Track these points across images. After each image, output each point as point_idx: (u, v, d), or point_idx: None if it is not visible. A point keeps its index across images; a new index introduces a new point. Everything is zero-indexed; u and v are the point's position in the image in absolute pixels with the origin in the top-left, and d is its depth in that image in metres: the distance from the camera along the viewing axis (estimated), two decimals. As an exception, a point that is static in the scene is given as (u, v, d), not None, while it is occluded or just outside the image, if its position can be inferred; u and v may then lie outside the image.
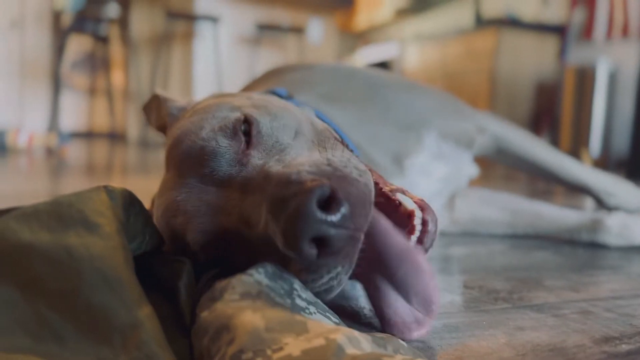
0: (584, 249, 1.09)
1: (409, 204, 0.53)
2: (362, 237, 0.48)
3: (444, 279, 0.85)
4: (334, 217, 0.45)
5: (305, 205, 0.44)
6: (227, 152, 0.57)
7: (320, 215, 0.44)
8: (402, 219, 0.53)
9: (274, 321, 0.41)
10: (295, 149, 0.57)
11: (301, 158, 0.53)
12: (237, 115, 0.60)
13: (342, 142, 0.65)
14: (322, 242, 0.46)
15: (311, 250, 0.46)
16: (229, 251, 0.57)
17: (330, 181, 0.47)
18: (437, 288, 0.51)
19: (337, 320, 0.48)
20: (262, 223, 0.50)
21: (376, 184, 0.56)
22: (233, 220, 0.55)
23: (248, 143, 0.58)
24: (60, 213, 0.47)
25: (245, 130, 0.59)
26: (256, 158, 0.56)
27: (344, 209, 0.45)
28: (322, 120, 0.77)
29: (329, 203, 0.46)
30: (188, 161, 0.59)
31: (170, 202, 0.59)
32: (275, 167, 0.52)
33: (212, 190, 0.57)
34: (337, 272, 0.49)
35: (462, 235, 1.19)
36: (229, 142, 0.58)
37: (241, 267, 0.52)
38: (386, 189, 0.56)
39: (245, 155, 0.57)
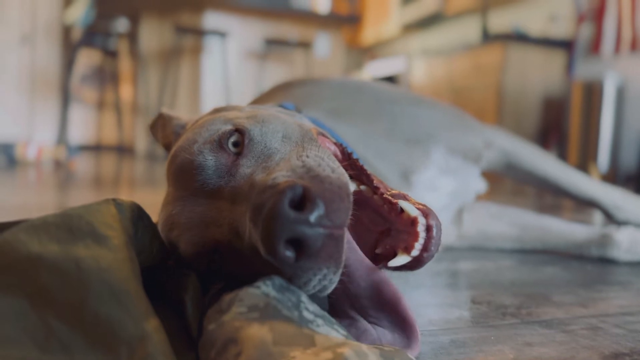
0: (592, 264, 1.08)
1: (411, 211, 0.53)
2: (345, 234, 0.47)
3: (452, 294, 0.85)
4: (309, 216, 0.45)
5: (277, 206, 0.44)
6: (215, 164, 0.58)
7: (293, 215, 0.44)
8: (406, 226, 0.53)
9: (282, 334, 0.41)
10: (281, 153, 0.57)
11: (282, 163, 0.53)
12: (228, 127, 0.61)
13: (332, 141, 0.65)
14: (301, 245, 0.45)
15: (287, 253, 0.45)
16: (225, 262, 0.57)
17: (303, 181, 0.47)
18: (410, 314, 0.51)
19: (344, 333, 0.48)
20: (247, 232, 0.50)
21: (377, 189, 0.56)
22: (224, 231, 0.55)
23: (240, 153, 0.59)
24: (69, 225, 0.48)
25: (237, 140, 0.59)
26: (245, 167, 0.57)
27: (318, 207, 0.45)
28: (333, 135, 0.77)
29: (303, 203, 0.45)
30: (181, 176, 0.60)
31: (167, 217, 0.61)
32: (260, 175, 0.53)
33: (204, 203, 0.58)
34: (324, 274, 0.48)
35: (469, 250, 1.18)
36: (218, 155, 0.59)
37: (242, 279, 0.52)
38: (387, 194, 0.56)
39: (235, 165, 0.58)
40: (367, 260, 0.51)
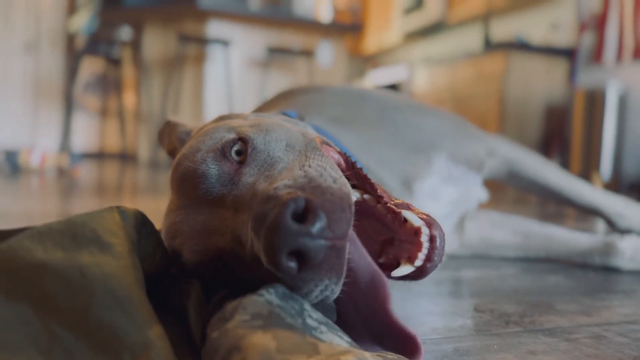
0: (596, 272, 1.08)
1: (415, 221, 0.53)
2: (347, 245, 0.47)
3: (455, 302, 0.84)
4: (311, 228, 0.45)
5: (280, 218, 0.44)
6: (218, 173, 0.58)
7: (295, 227, 0.44)
8: (409, 235, 0.53)
9: (285, 342, 0.41)
10: (284, 162, 0.57)
11: (285, 172, 0.53)
12: (231, 136, 0.61)
13: (334, 148, 0.65)
14: (302, 256, 0.45)
15: (290, 264, 0.45)
16: (228, 271, 0.57)
17: (305, 192, 0.47)
18: (401, 325, 0.49)
19: (348, 340, 0.48)
20: (249, 241, 0.50)
21: (380, 198, 0.56)
22: (227, 239, 0.55)
23: (243, 161, 0.59)
24: (73, 232, 0.48)
25: (240, 149, 0.60)
26: (248, 176, 0.57)
27: (320, 219, 0.45)
28: (336, 143, 0.78)
29: (305, 215, 0.46)
30: (185, 184, 0.60)
31: (170, 225, 0.61)
32: (262, 184, 0.53)
33: (207, 211, 0.58)
34: (325, 285, 0.48)
35: (472, 258, 1.18)
36: (221, 163, 0.59)
37: (244, 287, 0.52)
38: (391, 203, 0.55)
39: (238, 173, 0.58)
40: (373, 265, 0.51)
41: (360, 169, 0.60)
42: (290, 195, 0.46)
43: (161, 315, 0.49)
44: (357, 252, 0.50)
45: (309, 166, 0.52)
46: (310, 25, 4.89)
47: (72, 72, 5.30)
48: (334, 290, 0.49)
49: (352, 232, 0.50)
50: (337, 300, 0.52)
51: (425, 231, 0.52)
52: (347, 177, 0.58)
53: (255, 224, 0.47)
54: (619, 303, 0.86)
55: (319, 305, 0.52)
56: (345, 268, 0.48)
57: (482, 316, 0.76)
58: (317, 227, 0.45)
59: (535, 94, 4.23)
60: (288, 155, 0.58)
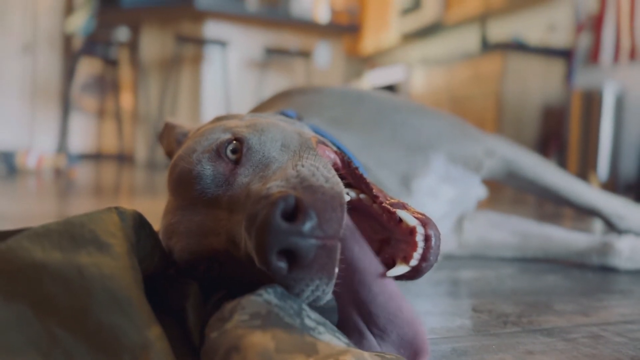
0: (593, 272, 1.08)
1: (410, 220, 0.53)
2: (338, 245, 0.47)
3: (453, 302, 0.84)
4: (302, 227, 0.44)
5: (269, 217, 0.44)
6: (213, 174, 0.58)
7: (285, 226, 0.44)
8: (404, 235, 0.53)
9: (284, 342, 0.41)
10: (279, 162, 0.57)
11: (279, 172, 0.53)
12: (227, 136, 0.61)
13: (330, 147, 0.65)
14: (293, 255, 0.45)
15: (279, 264, 0.45)
16: (224, 271, 0.57)
17: (296, 192, 0.47)
18: (424, 331, 0.49)
19: (346, 341, 0.48)
20: (243, 242, 0.50)
21: (376, 197, 0.56)
22: (222, 240, 0.55)
23: (238, 161, 0.59)
24: (72, 233, 0.48)
25: (235, 149, 0.60)
26: (243, 176, 0.57)
27: (311, 218, 0.45)
28: (334, 143, 0.78)
29: (296, 214, 0.45)
30: (181, 185, 0.60)
31: (166, 225, 0.61)
32: (256, 184, 0.53)
33: (202, 212, 0.58)
34: (316, 285, 0.48)
35: (470, 259, 1.18)
36: (216, 164, 0.59)
37: (242, 287, 0.52)
38: (386, 203, 0.55)
39: (233, 174, 0.58)
40: (380, 267, 0.51)
41: (356, 168, 0.60)
42: (281, 194, 0.46)
43: (160, 316, 0.49)
44: (372, 265, 0.50)
45: (302, 166, 0.52)
46: (307, 26, 4.89)
47: (69, 73, 5.29)
48: (325, 290, 0.48)
49: (362, 240, 0.50)
50: (337, 301, 0.52)
51: (420, 230, 0.52)
52: (343, 177, 0.58)
53: (247, 224, 0.47)
54: (617, 303, 0.86)
55: (320, 307, 0.52)
56: (336, 269, 0.47)
57: (480, 316, 0.76)
58: (307, 226, 0.45)
59: (533, 95, 4.24)
60: (283, 155, 0.58)
